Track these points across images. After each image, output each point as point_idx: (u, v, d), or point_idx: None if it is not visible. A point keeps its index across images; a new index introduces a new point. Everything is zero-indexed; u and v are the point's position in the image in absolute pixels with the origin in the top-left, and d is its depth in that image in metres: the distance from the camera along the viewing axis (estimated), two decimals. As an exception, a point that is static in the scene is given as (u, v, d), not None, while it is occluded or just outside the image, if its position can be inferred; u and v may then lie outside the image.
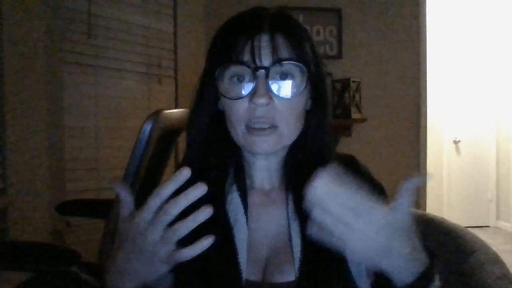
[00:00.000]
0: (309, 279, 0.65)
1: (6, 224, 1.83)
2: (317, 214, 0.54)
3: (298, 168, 0.73)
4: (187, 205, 0.55)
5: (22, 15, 1.90)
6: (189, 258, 0.57)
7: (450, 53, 5.01)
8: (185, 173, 0.55)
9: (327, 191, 0.54)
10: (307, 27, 0.79)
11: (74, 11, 2.14)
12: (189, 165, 0.72)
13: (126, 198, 0.60)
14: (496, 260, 0.83)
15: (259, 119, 0.68)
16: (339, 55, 3.13)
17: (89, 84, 2.22)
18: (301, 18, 3.05)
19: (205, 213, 0.55)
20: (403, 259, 0.57)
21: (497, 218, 5.04)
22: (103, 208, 1.49)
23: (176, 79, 2.65)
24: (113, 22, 2.31)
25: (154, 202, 0.56)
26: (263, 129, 0.68)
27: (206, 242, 0.55)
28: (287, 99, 0.68)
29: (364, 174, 0.77)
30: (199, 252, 0.56)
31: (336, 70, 3.04)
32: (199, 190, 0.54)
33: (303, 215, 0.66)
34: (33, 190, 1.95)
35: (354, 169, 0.75)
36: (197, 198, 0.54)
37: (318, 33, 3.11)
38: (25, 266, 1.26)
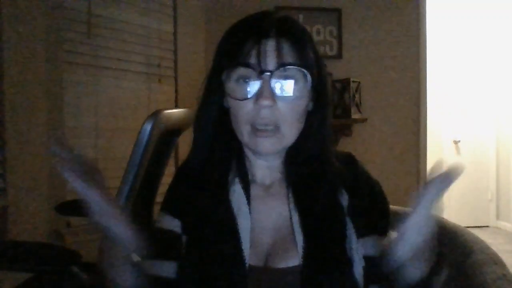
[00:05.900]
0: (313, 263, 0.70)
1: (6, 224, 1.83)
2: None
3: (298, 165, 0.78)
4: None
5: (22, 15, 1.90)
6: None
7: (450, 53, 5.01)
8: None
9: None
10: (307, 27, 0.81)
11: (74, 11, 2.14)
12: (194, 160, 0.79)
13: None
14: (496, 260, 0.83)
15: (263, 120, 0.72)
16: (339, 55, 3.13)
17: (89, 84, 2.22)
18: (301, 18, 3.05)
19: None
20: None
21: (497, 218, 5.04)
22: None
23: (176, 79, 2.65)
24: (113, 22, 2.31)
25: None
26: (266, 130, 0.72)
27: None
28: (290, 101, 0.72)
29: (362, 172, 0.81)
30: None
31: (336, 70, 3.04)
32: None
33: (304, 208, 0.74)
34: (33, 190, 1.95)
35: (352, 167, 0.80)
36: None
37: (318, 33, 3.10)
38: (25, 266, 1.27)
